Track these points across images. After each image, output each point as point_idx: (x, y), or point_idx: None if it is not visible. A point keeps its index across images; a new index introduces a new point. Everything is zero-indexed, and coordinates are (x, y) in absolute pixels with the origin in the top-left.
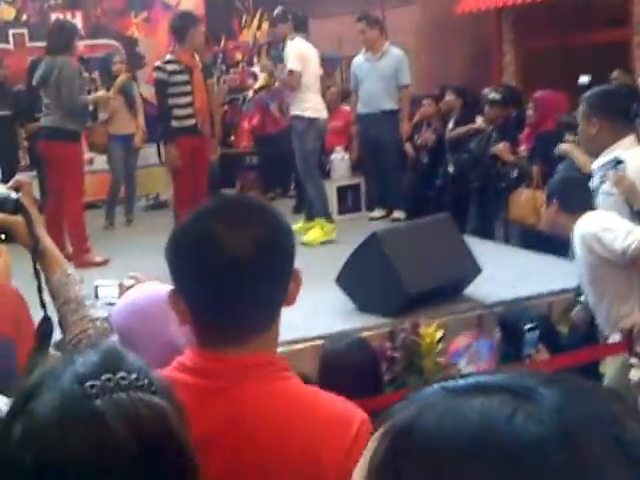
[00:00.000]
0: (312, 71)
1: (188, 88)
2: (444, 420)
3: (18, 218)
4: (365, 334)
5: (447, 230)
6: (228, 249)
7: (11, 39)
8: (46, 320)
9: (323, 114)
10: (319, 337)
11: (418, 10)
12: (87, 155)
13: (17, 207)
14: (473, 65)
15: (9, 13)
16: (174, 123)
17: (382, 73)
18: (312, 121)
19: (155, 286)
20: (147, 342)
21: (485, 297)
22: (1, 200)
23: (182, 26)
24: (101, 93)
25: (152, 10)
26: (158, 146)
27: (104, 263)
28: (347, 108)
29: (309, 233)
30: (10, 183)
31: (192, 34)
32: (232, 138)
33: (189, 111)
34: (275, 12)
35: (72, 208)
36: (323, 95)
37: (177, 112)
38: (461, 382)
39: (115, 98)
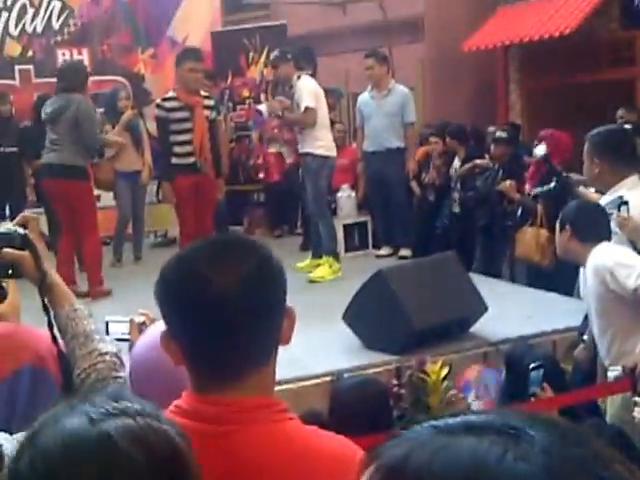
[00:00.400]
0: (323, 108)
1: (188, 125)
2: (435, 458)
3: (25, 253)
4: (372, 371)
5: (453, 268)
6: (213, 287)
7: (17, 75)
8: (62, 355)
9: (334, 152)
10: (327, 374)
11: (424, 47)
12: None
13: (24, 243)
14: (479, 102)
15: (15, 49)
16: (174, 160)
17: (388, 111)
18: (325, 159)
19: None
20: (168, 377)
21: (491, 335)
22: (9, 236)
23: (176, 64)
24: (113, 135)
25: (159, 47)
26: (159, 183)
27: (110, 293)
28: (354, 146)
29: (316, 271)
30: (17, 219)
31: (180, 72)
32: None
33: (188, 149)
34: (273, 55)
35: (93, 242)
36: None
37: (177, 149)
38: (451, 421)
39: (121, 135)
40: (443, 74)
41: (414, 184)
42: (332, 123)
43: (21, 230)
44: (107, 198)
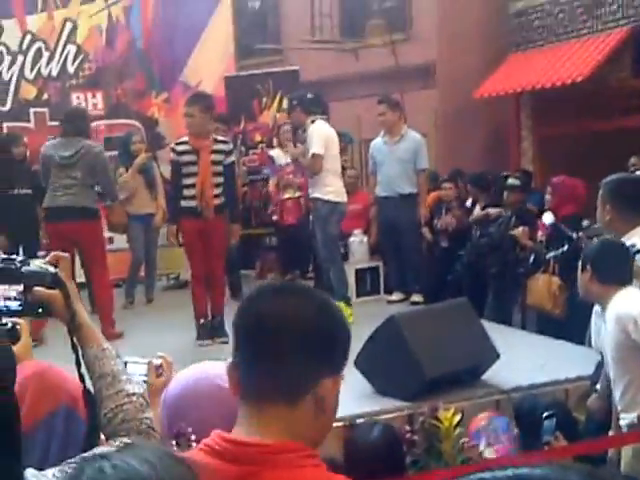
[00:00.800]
0: (334, 154)
1: (194, 169)
2: None
3: (56, 292)
4: (384, 417)
5: (465, 315)
6: (265, 318)
7: (32, 118)
8: (89, 394)
9: (344, 198)
10: (340, 419)
11: (437, 94)
12: (107, 234)
13: (55, 281)
14: (491, 149)
15: (31, 92)
16: (182, 203)
17: (400, 157)
18: (335, 205)
19: (209, 365)
20: (222, 404)
21: (503, 382)
22: (40, 274)
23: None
24: (125, 177)
25: (173, 91)
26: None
27: (121, 335)
28: (365, 191)
29: None
30: (48, 258)
31: (185, 116)
32: (252, 219)
33: (194, 192)
34: (284, 105)
35: (104, 284)
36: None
37: (184, 192)
38: (500, 475)
39: (135, 178)
40: (455, 120)
41: (425, 230)
42: (343, 168)
43: (52, 269)
44: (120, 240)
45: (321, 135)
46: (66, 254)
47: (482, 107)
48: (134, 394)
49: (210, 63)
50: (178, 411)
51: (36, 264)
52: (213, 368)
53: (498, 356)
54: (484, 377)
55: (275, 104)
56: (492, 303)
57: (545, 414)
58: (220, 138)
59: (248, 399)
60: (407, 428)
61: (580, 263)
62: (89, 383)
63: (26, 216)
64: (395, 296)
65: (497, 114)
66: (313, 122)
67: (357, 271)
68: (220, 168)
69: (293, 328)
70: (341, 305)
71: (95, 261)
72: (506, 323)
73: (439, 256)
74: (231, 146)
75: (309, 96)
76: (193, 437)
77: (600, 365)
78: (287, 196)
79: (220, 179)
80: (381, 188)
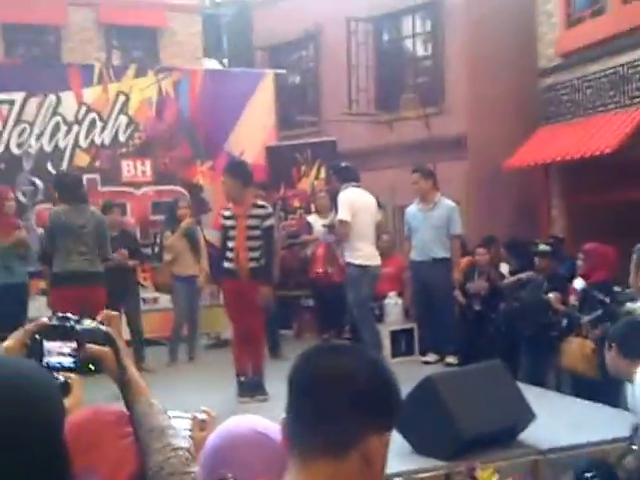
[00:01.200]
0: (363, 220)
1: (234, 233)
2: None
3: (107, 349)
4: (421, 475)
5: (500, 376)
6: (313, 376)
7: (85, 184)
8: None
9: (375, 261)
10: None
11: (468, 164)
12: (152, 294)
13: (106, 339)
14: (521, 217)
15: (84, 159)
16: (224, 263)
17: (434, 223)
18: (364, 268)
19: (247, 417)
20: (265, 464)
21: (539, 443)
22: (92, 332)
23: None
24: (170, 240)
25: (217, 159)
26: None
27: None
28: (399, 255)
29: None
30: (99, 316)
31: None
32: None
33: (231, 255)
34: (322, 173)
35: None
36: (377, 242)
37: (227, 254)
38: None
39: (180, 241)
40: (486, 189)
41: (458, 293)
42: (378, 237)
43: (103, 327)
44: (165, 300)
45: (347, 202)
46: (116, 313)
47: (512, 177)
48: (180, 448)
49: (252, 133)
50: (217, 458)
51: (87, 322)
52: (251, 418)
53: (534, 417)
54: (520, 437)
55: (313, 172)
56: (526, 366)
57: (588, 475)
58: (259, 203)
59: (296, 452)
60: None
61: (606, 342)
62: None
63: None
64: (429, 357)
65: (527, 184)
66: (345, 189)
67: (392, 332)
68: (256, 232)
69: (343, 385)
70: None
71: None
72: (540, 385)
73: (472, 319)
74: (268, 210)
75: (343, 165)
76: None
77: (637, 427)
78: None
79: (256, 243)
80: (415, 253)
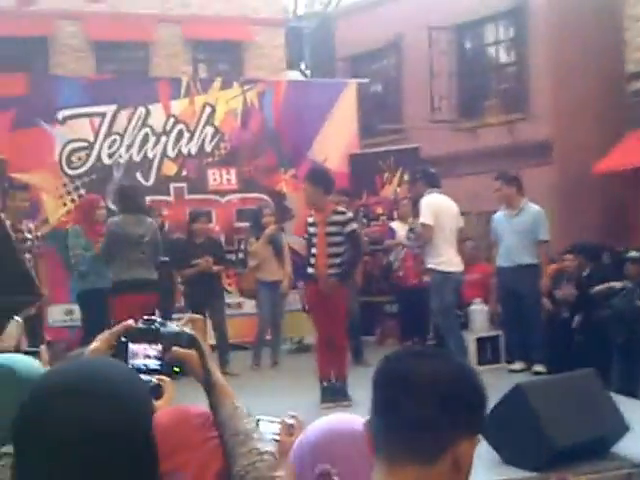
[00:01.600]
0: (446, 225)
1: (315, 240)
2: None
3: (192, 352)
4: None
5: (592, 385)
6: (404, 379)
7: (172, 192)
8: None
9: (458, 267)
10: None
11: (554, 170)
12: (237, 299)
13: (191, 342)
14: (610, 223)
15: (171, 169)
16: (308, 269)
17: (518, 228)
18: (447, 275)
19: (338, 414)
20: (365, 459)
21: (633, 455)
22: (177, 335)
23: None
24: (255, 246)
25: (300, 167)
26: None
27: None
28: (484, 262)
29: None
30: (184, 320)
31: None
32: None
33: (314, 261)
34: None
35: None
36: (461, 249)
37: (311, 260)
38: None
39: (264, 248)
40: (573, 195)
41: (546, 300)
42: (463, 241)
43: (188, 330)
44: (249, 305)
45: (430, 206)
46: (201, 317)
47: (600, 182)
48: (265, 452)
49: (335, 142)
50: (318, 453)
51: (172, 326)
52: (349, 416)
53: (628, 428)
54: (613, 449)
55: (396, 179)
56: (618, 374)
57: None
58: (339, 209)
59: (384, 457)
60: None
61: None
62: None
63: (162, 281)
64: (517, 365)
65: (615, 189)
66: (428, 194)
67: (478, 340)
68: (336, 239)
69: (435, 391)
70: None
71: None
72: (632, 395)
73: (560, 326)
74: (348, 216)
75: (430, 171)
76: (336, 478)
77: None
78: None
79: (337, 249)
80: (501, 259)
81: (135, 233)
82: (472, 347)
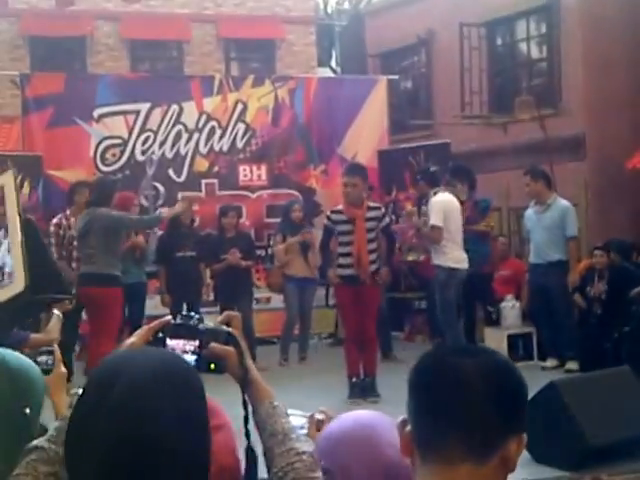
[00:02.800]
0: (452, 224)
1: (349, 238)
2: None
3: (231, 349)
4: None
5: (628, 384)
6: (454, 378)
7: (203, 188)
8: (251, 451)
9: (464, 265)
10: None
11: (586, 165)
12: (265, 294)
13: (229, 339)
14: None
15: (203, 165)
16: (338, 271)
17: (546, 224)
18: (453, 271)
19: (362, 413)
20: (365, 470)
21: None
22: (215, 332)
23: None
24: (280, 248)
25: (330, 163)
26: (327, 289)
27: None
28: (515, 258)
29: None
30: (221, 317)
31: (346, 186)
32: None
33: (349, 260)
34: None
35: (103, 351)
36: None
37: (340, 260)
38: None
39: (293, 245)
40: (606, 191)
41: (578, 297)
42: (496, 236)
43: (226, 327)
44: (277, 300)
45: (439, 207)
46: (238, 314)
47: (633, 178)
48: (304, 452)
49: (365, 138)
50: (324, 446)
51: (209, 323)
52: (371, 417)
53: None
54: None
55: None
56: None
57: None
58: (372, 205)
59: (434, 459)
60: None
61: None
62: (254, 440)
63: (190, 276)
64: (549, 362)
65: None
66: (435, 194)
67: (509, 336)
68: (373, 234)
69: (486, 388)
70: None
71: (104, 325)
72: None
73: (593, 323)
74: (382, 211)
75: (432, 169)
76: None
77: None
78: (410, 258)
79: (374, 245)
80: (532, 255)
81: (77, 228)
82: (504, 344)
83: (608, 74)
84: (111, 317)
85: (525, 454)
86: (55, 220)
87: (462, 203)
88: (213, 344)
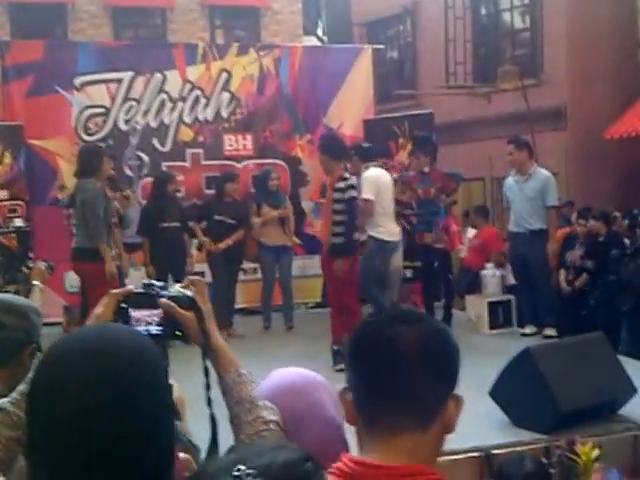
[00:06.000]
0: (384, 197)
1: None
2: None
3: (189, 314)
4: (519, 449)
5: (601, 349)
6: (394, 345)
7: (188, 158)
8: (212, 419)
9: (395, 237)
10: (475, 449)
11: (567, 135)
12: (252, 264)
13: (190, 304)
14: (623, 187)
15: (188, 135)
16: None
17: (528, 194)
18: (385, 243)
19: (301, 369)
20: (310, 422)
21: None
22: (177, 298)
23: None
24: (257, 221)
25: (315, 133)
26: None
27: None
28: (491, 226)
29: None
30: (184, 282)
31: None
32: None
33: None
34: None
35: None
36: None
37: (335, 229)
38: None
39: (270, 218)
40: (586, 160)
41: (562, 273)
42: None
43: (189, 292)
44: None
45: (370, 182)
46: (202, 278)
47: (614, 147)
48: (271, 421)
49: (351, 107)
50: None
51: (175, 289)
52: (300, 371)
53: (635, 390)
54: (621, 412)
55: (410, 145)
56: (627, 338)
57: None
58: (345, 175)
59: (377, 428)
60: (544, 461)
61: None
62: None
63: (174, 247)
64: (528, 329)
65: (628, 154)
66: (366, 169)
67: (489, 304)
68: (339, 206)
69: (424, 354)
70: None
71: (89, 300)
72: None
73: (571, 291)
74: (350, 182)
75: (365, 145)
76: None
77: None
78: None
79: (339, 217)
80: (512, 224)
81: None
82: (484, 311)
83: (590, 46)
84: (96, 292)
85: (503, 417)
86: None
87: (425, 174)
88: (172, 309)
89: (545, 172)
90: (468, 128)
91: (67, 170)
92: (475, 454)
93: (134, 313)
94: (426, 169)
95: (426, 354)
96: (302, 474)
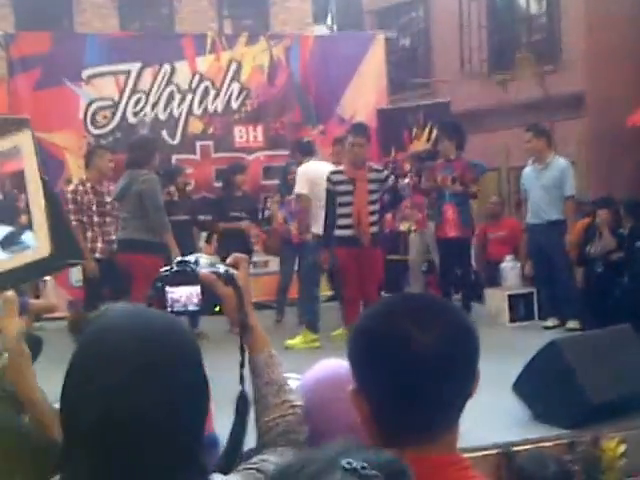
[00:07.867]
0: (322, 192)
1: (349, 199)
2: None
3: (229, 290)
4: (543, 444)
5: (628, 341)
6: (416, 347)
7: (198, 150)
8: (243, 397)
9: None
10: (495, 446)
11: (586, 123)
12: (262, 258)
13: (228, 280)
14: None
15: (197, 127)
16: (337, 232)
17: (546, 184)
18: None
19: (336, 365)
20: (336, 423)
21: None
22: (218, 272)
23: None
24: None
25: (328, 124)
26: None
27: None
28: (510, 217)
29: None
30: (229, 260)
31: (353, 145)
32: None
33: (348, 221)
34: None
35: None
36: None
37: (340, 221)
38: None
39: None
40: (606, 148)
41: (574, 257)
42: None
43: (231, 270)
44: (275, 264)
45: (302, 177)
46: (246, 256)
47: (633, 134)
48: (297, 405)
49: (363, 97)
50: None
51: (208, 263)
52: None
53: None
54: None
55: (425, 135)
56: None
57: None
58: (374, 166)
59: (395, 442)
60: (567, 457)
61: None
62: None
63: (183, 240)
64: (550, 322)
65: None
66: (300, 164)
67: (510, 296)
68: (374, 196)
69: (446, 355)
70: (305, 331)
71: (134, 291)
72: None
73: (595, 282)
74: (385, 173)
75: (305, 140)
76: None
77: None
78: (403, 228)
79: (375, 207)
80: (530, 215)
81: (116, 191)
82: (504, 304)
83: (610, 29)
84: (142, 285)
85: (526, 412)
86: (71, 187)
87: (450, 162)
88: (213, 282)
89: (564, 160)
90: (483, 117)
91: (74, 163)
92: (494, 451)
93: (171, 292)
94: (452, 156)
95: (448, 356)
96: (401, 469)
